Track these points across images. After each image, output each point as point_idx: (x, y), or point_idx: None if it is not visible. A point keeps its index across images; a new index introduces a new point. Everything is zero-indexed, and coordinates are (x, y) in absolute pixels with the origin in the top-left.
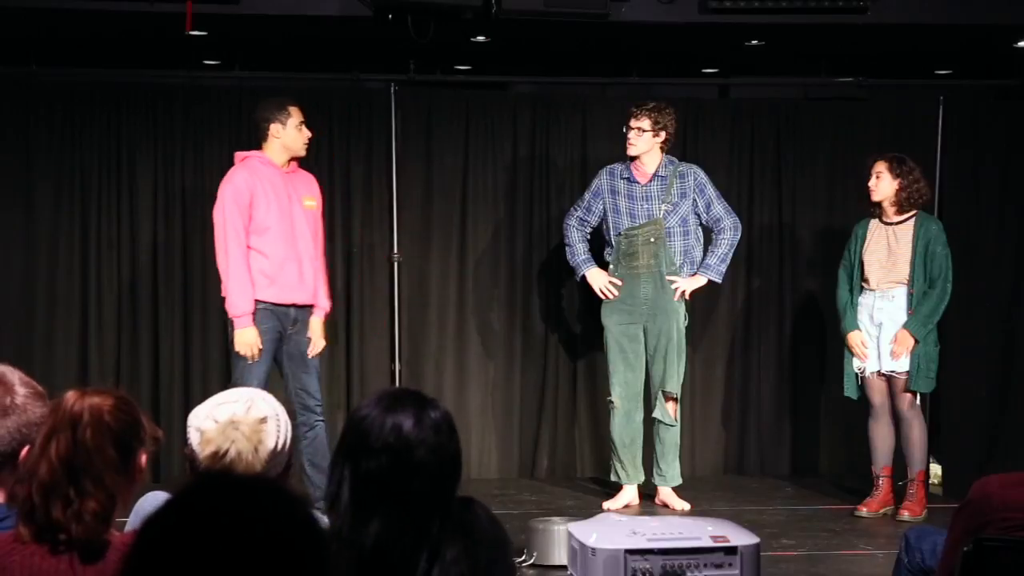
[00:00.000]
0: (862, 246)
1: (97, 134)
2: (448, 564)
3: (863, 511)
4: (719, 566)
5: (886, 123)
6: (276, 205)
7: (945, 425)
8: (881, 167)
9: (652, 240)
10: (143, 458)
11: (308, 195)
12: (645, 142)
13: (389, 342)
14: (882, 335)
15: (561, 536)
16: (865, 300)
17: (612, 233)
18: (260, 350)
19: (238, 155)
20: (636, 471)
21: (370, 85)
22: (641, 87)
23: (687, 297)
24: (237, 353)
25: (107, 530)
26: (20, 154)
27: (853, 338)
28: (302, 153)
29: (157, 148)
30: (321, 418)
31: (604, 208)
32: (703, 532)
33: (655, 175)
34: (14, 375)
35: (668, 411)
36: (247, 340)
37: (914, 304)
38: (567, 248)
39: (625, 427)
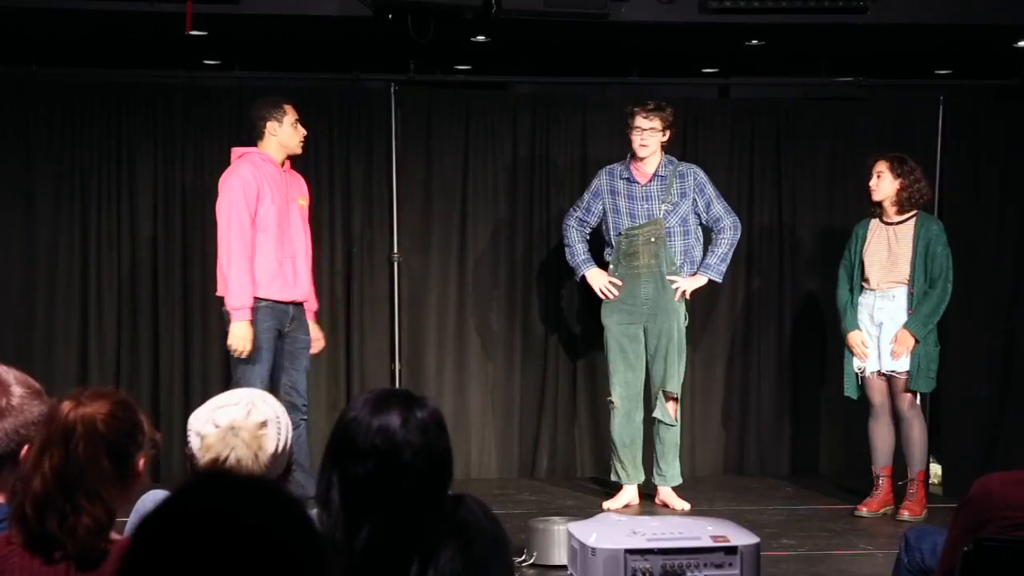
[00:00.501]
0: (862, 246)
1: (97, 134)
2: (443, 564)
3: (863, 511)
4: (719, 566)
5: (886, 123)
6: (277, 202)
7: (945, 425)
8: (882, 167)
9: (653, 240)
10: (141, 462)
11: (300, 194)
12: (656, 142)
13: (389, 342)
14: (882, 335)
15: (561, 536)
16: (865, 300)
17: (612, 233)
18: (252, 348)
19: (236, 151)
20: (636, 471)
21: (370, 85)
22: (641, 87)
23: (688, 297)
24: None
25: (103, 542)
26: (20, 154)
27: (853, 338)
28: (298, 151)
29: (157, 148)
30: (305, 417)
31: (604, 208)
32: (703, 532)
33: (655, 175)
34: (9, 374)
35: (668, 411)
36: (241, 335)
37: (914, 304)
38: (566, 249)
39: (625, 427)
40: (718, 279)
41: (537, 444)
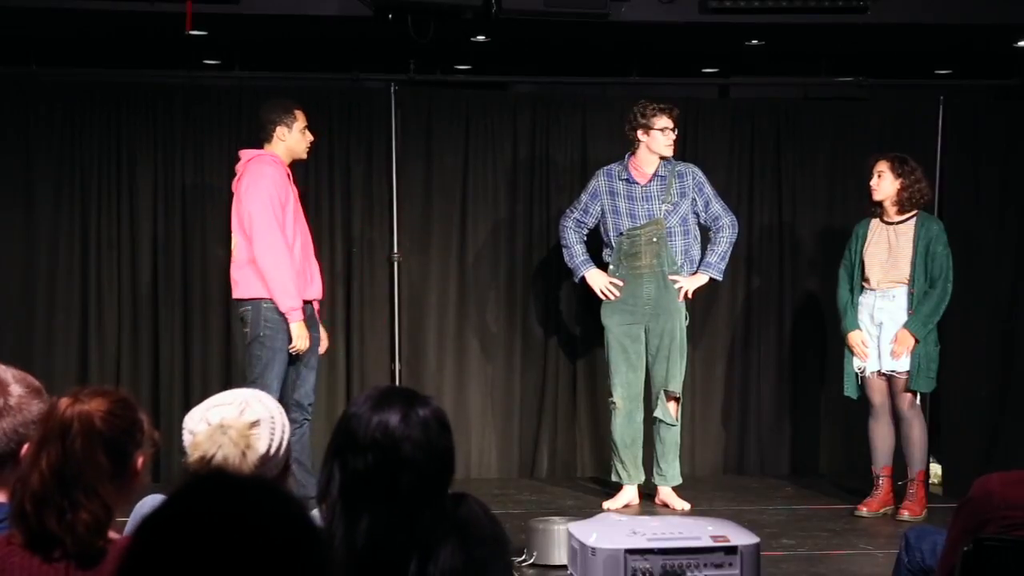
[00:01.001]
0: (862, 245)
1: (97, 134)
2: (443, 560)
3: (863, 511)
4: (719, 566)
5: (886, 123)
6: (293, 204)
7: (945, 425)
8: (883, 166)
9: (655, 240)
10: (140, 460)
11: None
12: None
13: (389, 342)
14: (883, 335)
15: (561, 536)
16: (866, 300)
17: (612, 234)
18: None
19: (245, 153)
20: (637, 471)
21: (370, 85)
22: (641, 87)
23: (690, 296)
24: (262, 348)
25: (102, 540)
26: (20, 154)
27: (853, 338)
28: (304, 156)
29: (157, 148)
30: (309, 417)
31: (603, 209)
32: (703, 532)
33: (655, 175)
34: (7, 373)
35: (670, 411)
36: (303, 333)
37: (914, 304)
38: (564, 250)
39: (626, 427)
40: (719, 278)
41: (537, 444)
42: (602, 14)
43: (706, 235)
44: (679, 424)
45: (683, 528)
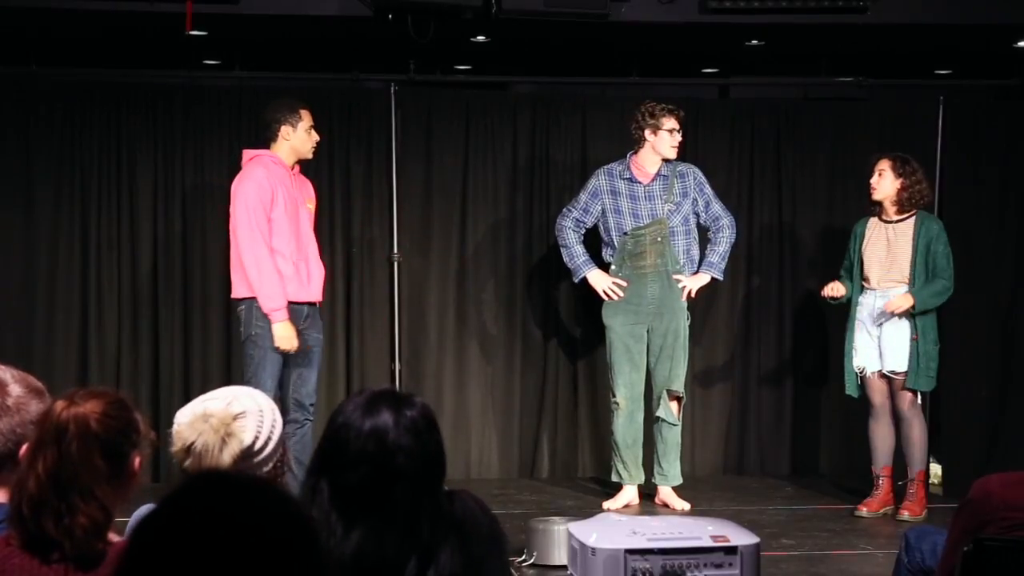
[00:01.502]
0: (861, 243)
1: (97, 134)
2: (443, 563)
3: (863, 511)
4: (719, 566)
5: (886, 123)
6: (290, 205)
7: (945, 425)
8: (884, 165)
9: (659, 240)
10: (137, 461)
11: (308, 198)
12: None
13: (389, 342)
14: (883, 334)
15: (561, 536)
16: (866, 299)
17: (615, 233)
18: (298, 344)
19: (247, 153)
20: (638, 471)
21: (370, 85)
22: (641, 87)
23: (693, 296)
24: (255, 347)
25: (101, 542)
26: (20, 154)
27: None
28: (309, 156)
29: (157, 148)
30: (311, 417)
31: (603, 209)
32: (703, 532)
33: (657, 175)
34: (6, 373)
35: (672, 410)
36: (287, 334)
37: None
38: (564, 250)
39: (628, 427)
40: (720, 277)
41: (537, 444)
42: (602, 14)
43: (703, 235)
44: (680, 424)
45: (683, 528)
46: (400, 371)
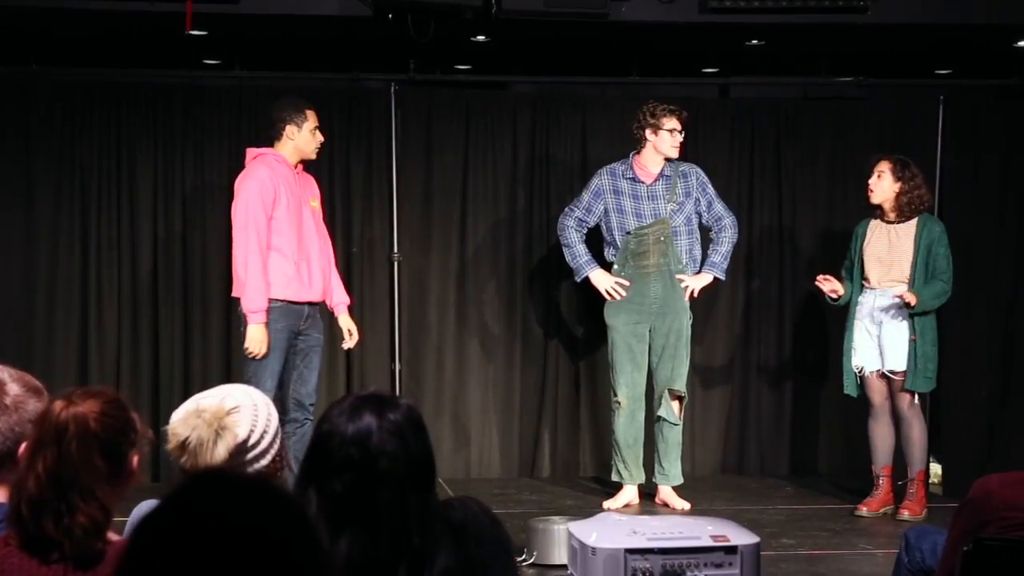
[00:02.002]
0: (862, 243)
1: (97, 134)
2: (439, 565)
3: (863, 511)
4: (719, 566)
5: (886, 123)
6: (292, 205)
7: (945, 425)
8: (884, 166)
9: (662, 239)
10: (135, 460)
11: (312, 196)
12: None
13: (389, 342)
14: (883, 334)
15: (561, 536)
16: (866, 299)
17: (618, 233)
18: (268, 350)
19: (251, 151)
20: (638, 471)
21: (370, 85)
22: (641, 87)
23: (695, 296)
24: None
25: (100, 542)
26: (20, 154)
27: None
28: (313, 157)
29: (157, 148)
30: (311, 417)
31: (606, 208)
32: (703, 532)
33: (660, 174)
34: (4, 372)
35: (673, 410)
36: (257, 337)
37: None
38: (566, 249)
39: (629, 427)
40: (723, 277)
41: (537, 444)
42: (602, 14)
43: (705, 235)
44: (681, 423)
45: (683, 528)
46: (400, 371)
